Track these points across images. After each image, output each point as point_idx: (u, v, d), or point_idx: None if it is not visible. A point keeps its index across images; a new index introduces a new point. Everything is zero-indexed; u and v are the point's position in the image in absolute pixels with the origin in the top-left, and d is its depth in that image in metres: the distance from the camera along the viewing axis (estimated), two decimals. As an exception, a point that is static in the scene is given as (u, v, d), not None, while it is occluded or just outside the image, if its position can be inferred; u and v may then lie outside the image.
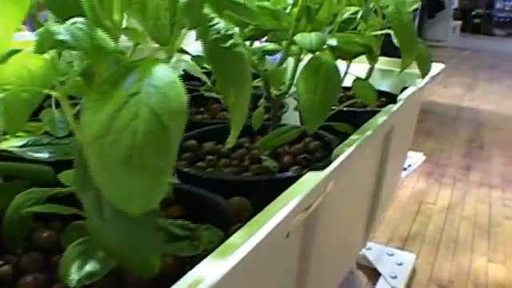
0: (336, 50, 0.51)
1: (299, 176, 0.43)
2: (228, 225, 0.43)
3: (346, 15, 0.69)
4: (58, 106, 0.61)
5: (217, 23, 0.32)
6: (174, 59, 1.12)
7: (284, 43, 0.58)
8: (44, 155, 0.52)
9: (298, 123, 0.71)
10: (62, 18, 0.35)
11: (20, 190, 0.45)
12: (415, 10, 0.80)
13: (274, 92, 0.62)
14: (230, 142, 0.34)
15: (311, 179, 0.39)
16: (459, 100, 3.33)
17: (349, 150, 0.47)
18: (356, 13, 0.71)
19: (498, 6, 7.51)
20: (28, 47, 0.34)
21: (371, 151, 0.70)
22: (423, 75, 0.70)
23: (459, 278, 1.28)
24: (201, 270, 0.30)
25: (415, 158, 2.12)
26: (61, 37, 0.31)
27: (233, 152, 0.67)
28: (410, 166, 2.04)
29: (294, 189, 0.38)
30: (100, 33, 0.32)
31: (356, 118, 0.80)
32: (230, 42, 0.32)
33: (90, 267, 0.34)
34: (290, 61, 0.63)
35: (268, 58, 0.75)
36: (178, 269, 0.38)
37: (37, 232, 0.46)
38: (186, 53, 0.63)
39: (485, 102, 3.28)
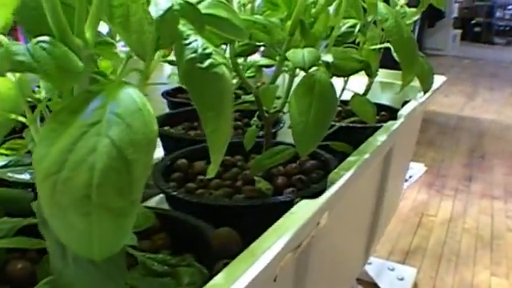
0: (331, 66, 0.48)
1: (292, 201, 0.40)
2: (214, 258, 0.40)
3: (343, 28, 0.66)
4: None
5: (193, 41, 0.29)
6: (168, 72, 1.09)
7: (277, 58, 0.55)
8: (25, 177, 0.50)
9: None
10: (33, 34, 0.32)
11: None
12: (415, 20, 0.77)
13: (268, 110, 0.59)
14: (211, 172, 0.31)
15: (302, 211, 0.36)
16: (460, 109, 3.31)
17: (345, 176, 0.43)
18: (354, 26, 0.68)
19: (498, 14, 7.51)
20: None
21: (371, 172, 0.67)
22: (425, 91, 0.67)
23: (461, 292, 1.26)
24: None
25: (416, 169, 2.10)
26: (19, 57, 0.27)
27: (225, 172, 0.64)
28: (410, 177, 2.01)
29: (283, 223, 0.34)
30: (66, 52, 0.29)
31: (355, 135, 0.77)
32: (208, 61, 0.28)
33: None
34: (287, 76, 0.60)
35: (265, 70, 0.72)
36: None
37: (11, 263, 0.43)
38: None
39: (486, 111, 3.26)
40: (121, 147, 0.22)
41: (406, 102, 0.83)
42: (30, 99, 0.42)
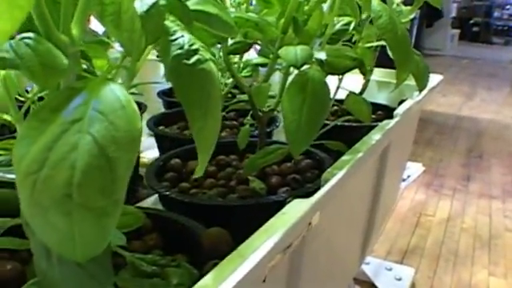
0: (325, 64, 0.47)
1: (285, 201, 0.40)
2: (205, 258, 0.39)
3: (337, 26, 0.65)
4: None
5: (180, 37, 0.28)
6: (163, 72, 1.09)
7: (271, 56, 0.54)
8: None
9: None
10: (19, 31, 0.31)
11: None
12: (413, 20, 0.77)
13: (262, 109, 0.58)
14: (198, 172, 0.30)
15: (293, 211, 0.35)
16: (458, 109, 3.30)
17: (338, 176, 0.43)
18: (349, 23, 0.67)
19: (496, 14, 7.51)
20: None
21: (366, 170, 0.66)
22: (421, 89, 0.66)
23: (460, 293, 1.25)
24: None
25: (414, 169, 2.09)
26: (2, 54, 0.27)
27: (219, 171, 0.63)
28: (408, 176, 2.01)
29: (273, 223, 0.34)
30: (51, 49, 0.28)
31: (351, 134, 0.77)
32: (195, 57, 0.28)
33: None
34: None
35: (262, 69, 0.72)
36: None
37: (0, 264, 0.43)
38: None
39: (484, 111, 3.25)
40: (103, 145, 0.22)
41: (402, 101, 0.82)
42: (22, 98, 0.41)
